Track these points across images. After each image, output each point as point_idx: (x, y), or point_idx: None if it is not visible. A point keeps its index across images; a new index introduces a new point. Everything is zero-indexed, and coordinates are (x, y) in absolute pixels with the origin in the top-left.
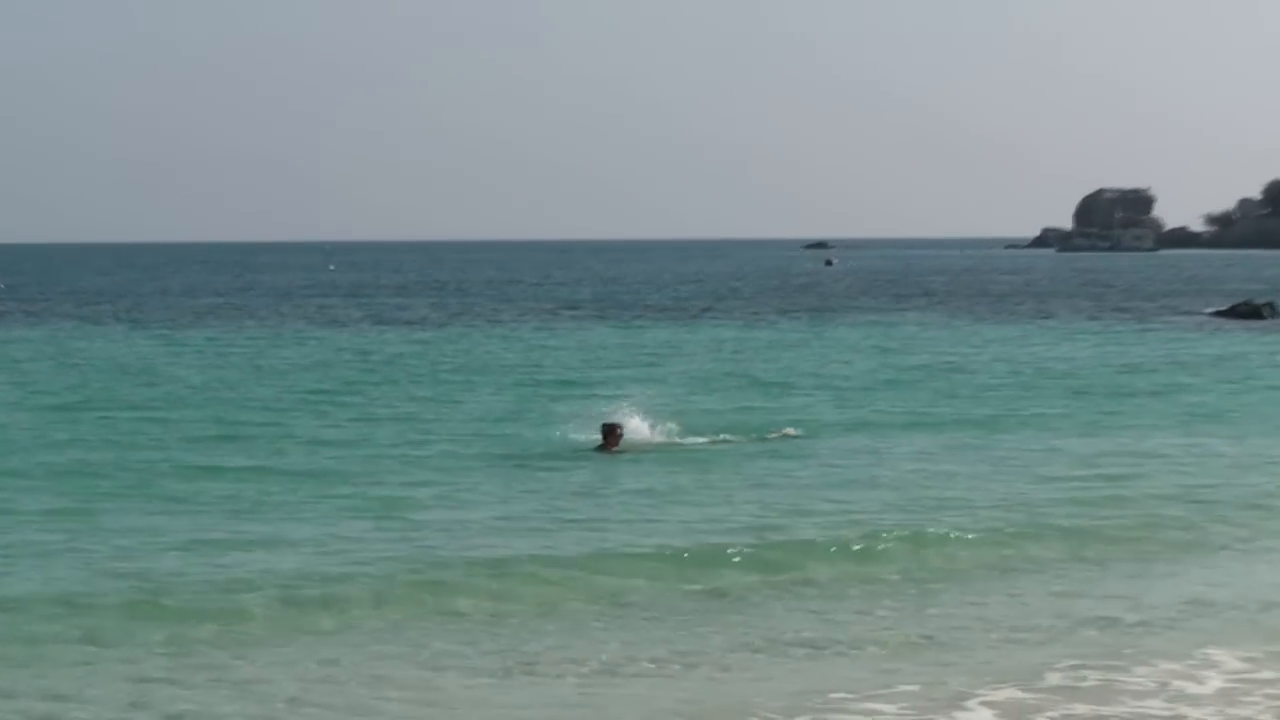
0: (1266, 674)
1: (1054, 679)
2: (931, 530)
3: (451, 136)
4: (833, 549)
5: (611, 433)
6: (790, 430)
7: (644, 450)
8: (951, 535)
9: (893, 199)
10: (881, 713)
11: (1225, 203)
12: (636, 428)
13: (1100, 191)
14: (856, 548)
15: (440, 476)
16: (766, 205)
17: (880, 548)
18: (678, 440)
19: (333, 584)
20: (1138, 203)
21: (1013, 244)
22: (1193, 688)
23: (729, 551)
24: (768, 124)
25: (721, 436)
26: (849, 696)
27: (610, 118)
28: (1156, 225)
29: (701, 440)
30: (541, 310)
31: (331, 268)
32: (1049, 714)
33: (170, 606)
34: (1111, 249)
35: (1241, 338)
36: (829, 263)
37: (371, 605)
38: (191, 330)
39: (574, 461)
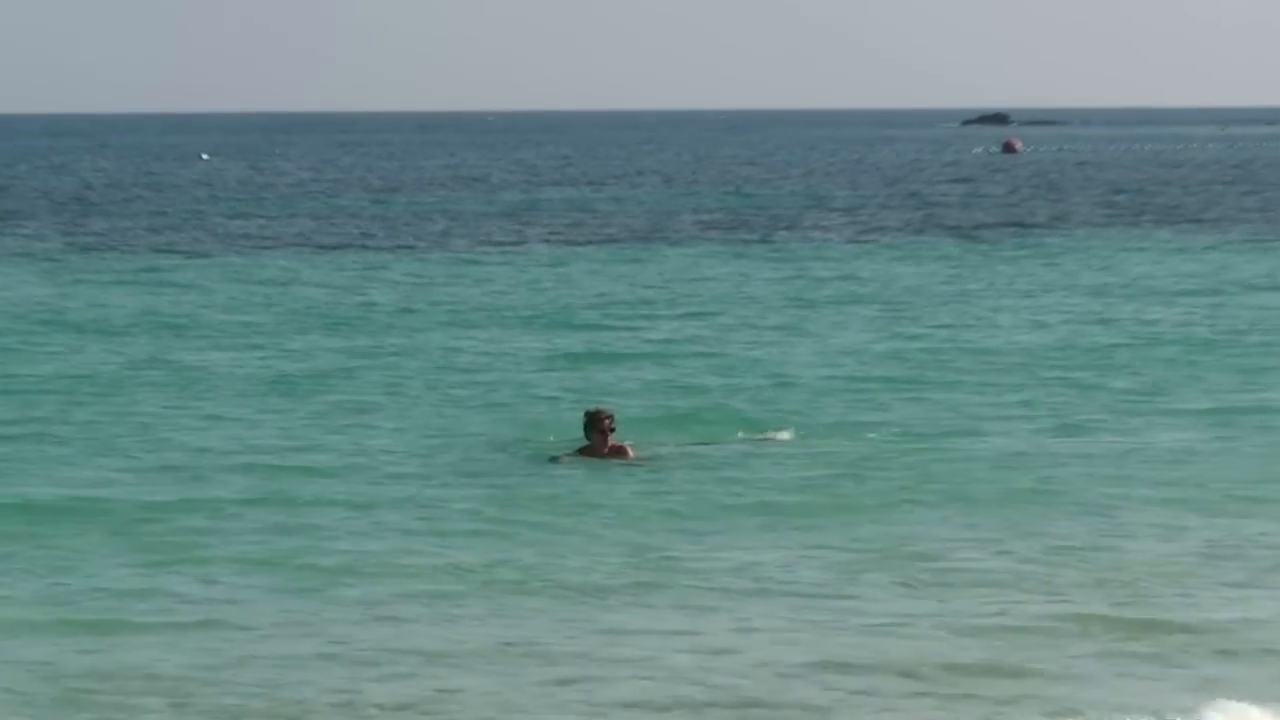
0: None
1: None
2: None
3: None
4: None
5: (598, 424)
6: (782, 434)
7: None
8: None
9: (1091, 55)
10: None
11: None
12: None
13: None
14: None
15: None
16: (902, 64)
17: None
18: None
19: None
20: None
21: None
22: None
23: None
24: None
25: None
26: None
27: None
28: None
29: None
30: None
31: (205, 157)
32: None
33: None
34: None
35: None
36: (1010, 148)
37: None
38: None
39: (541, 480)
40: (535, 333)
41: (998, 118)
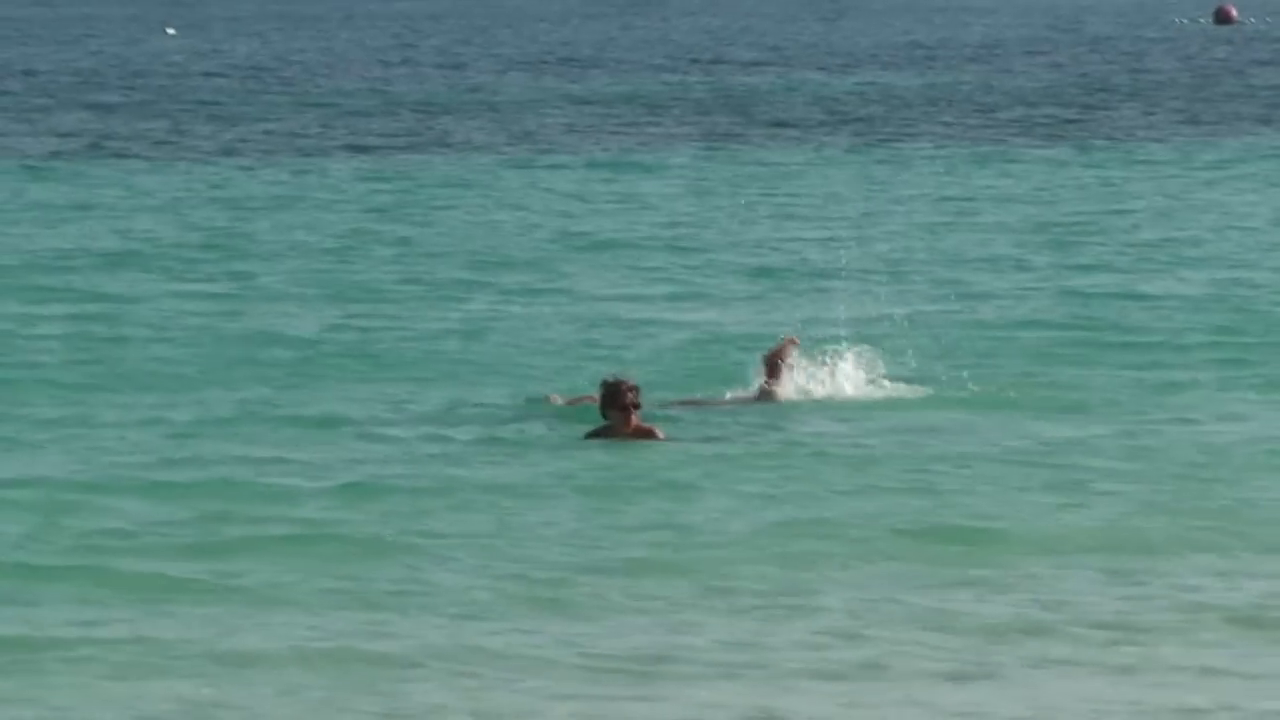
0: None
1: None
2: None
3: None
4: None
5: (618, 397)
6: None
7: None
8: None
9: None
10: None
11: None
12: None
13: None
14: None
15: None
16: None
17: None
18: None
19: None
20: None
21: None
22: None
23: None
24: None
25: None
26: None
27: None
28: None
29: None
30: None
31: (170, 31)
32: None
33: None
34: None
35: None
36: (1224, 17)
37: None
38: None
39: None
40: None
41: None
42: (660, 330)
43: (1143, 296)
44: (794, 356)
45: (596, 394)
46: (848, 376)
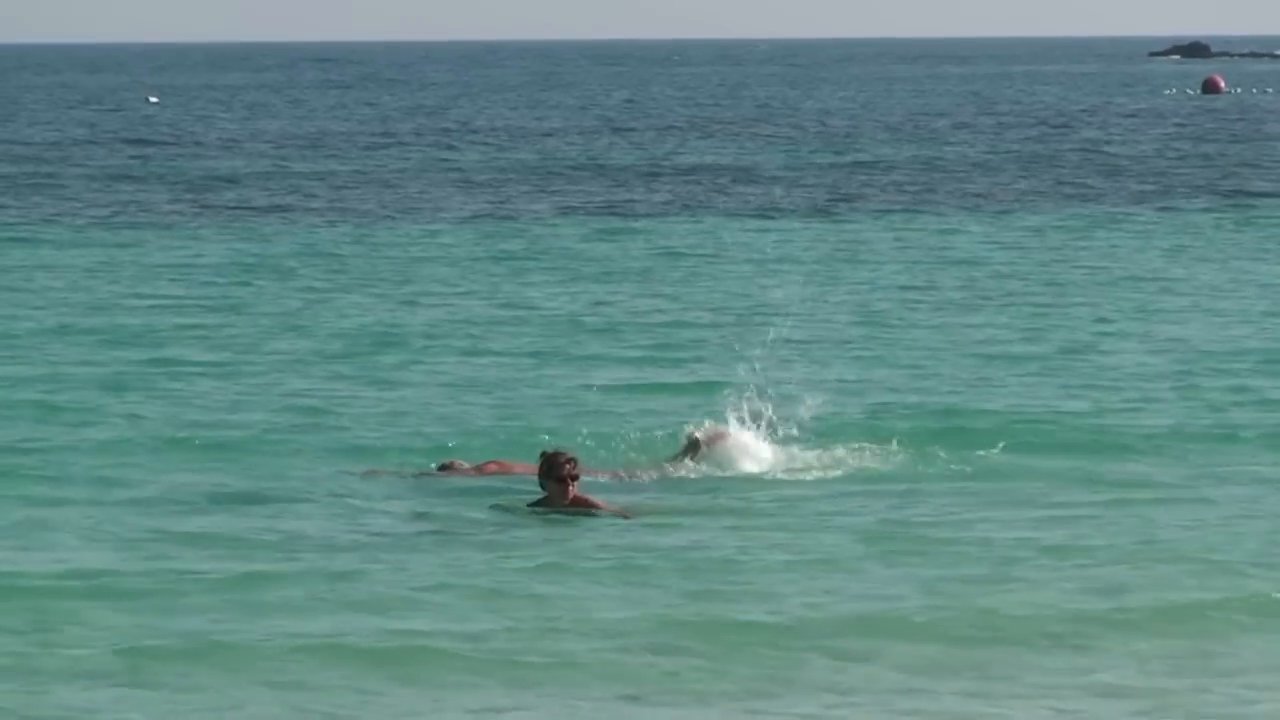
0: None
1: None
2: None
3: None
4: None
5: (556, 468)
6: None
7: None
8: None
9: None
10: None
11: None
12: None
13: None
14: None
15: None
16: None
17: None
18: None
19: None
20: None
21: None
22: None
23: None
24: None
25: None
26: None
27: None
28: None
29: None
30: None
31: (153, 100)
32: None
33: None
34: None
35: None
36: (1212, 87)
37: None
38: None
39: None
40: None
41: (1196, 49)
42: (589, 400)
43: (1107, 367)
44: (719, 447)
45: (508, 462)
46: (781, 444)
